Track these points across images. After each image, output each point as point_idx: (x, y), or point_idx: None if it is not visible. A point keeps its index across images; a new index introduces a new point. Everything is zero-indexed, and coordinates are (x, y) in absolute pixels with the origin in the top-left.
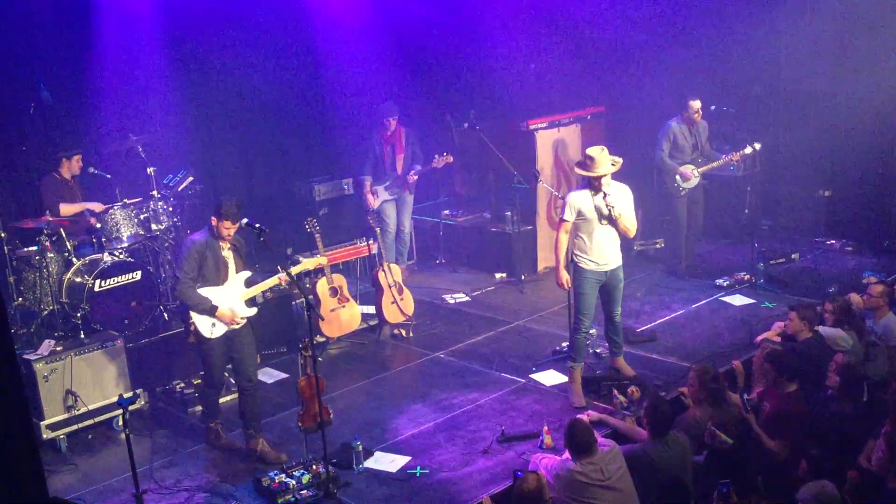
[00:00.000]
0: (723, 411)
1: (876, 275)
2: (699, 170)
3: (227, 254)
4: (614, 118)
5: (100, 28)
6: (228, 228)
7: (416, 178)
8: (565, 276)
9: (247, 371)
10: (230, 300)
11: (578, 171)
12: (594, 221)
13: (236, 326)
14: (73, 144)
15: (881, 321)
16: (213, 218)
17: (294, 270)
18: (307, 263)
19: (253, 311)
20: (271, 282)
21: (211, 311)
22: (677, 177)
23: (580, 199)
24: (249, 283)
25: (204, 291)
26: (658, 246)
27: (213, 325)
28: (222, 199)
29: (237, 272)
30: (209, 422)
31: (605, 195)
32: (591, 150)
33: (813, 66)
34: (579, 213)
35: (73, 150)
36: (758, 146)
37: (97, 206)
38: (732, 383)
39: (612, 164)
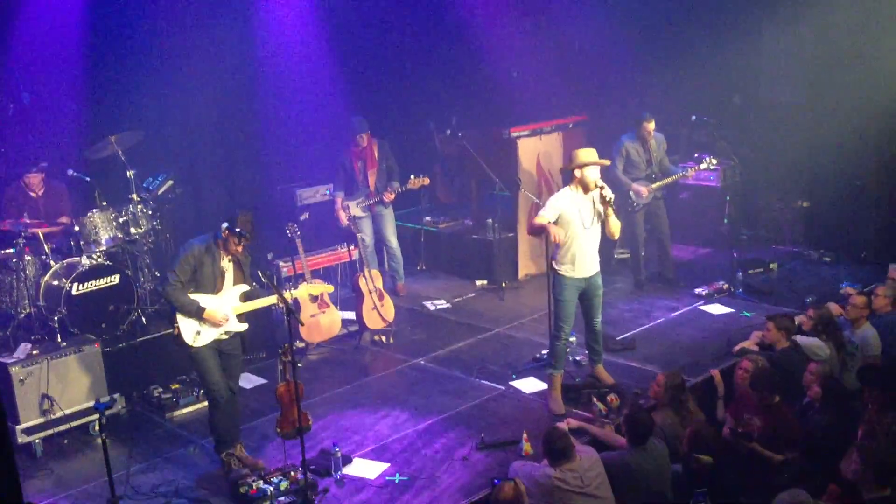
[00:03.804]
0: (683, 419)
1: (853, 285)
2: (653, 185)
3: (227, 265)
4: (596, 127)
5: (80, 30)
6: (237, 244)
7: (391, 197)
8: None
9: (227, 381)
10: (221, 310)
11: (591, 167)
12: (577, 227)
13: (223, 337)
14: (34, 157)
15: (858, 331)
16: (224, 229)
17: (297, 293)
18: (312, 288)
19: (244, 326)
20: (268, 300)
21: (198, 313)
22: (631, 193)
23: (565, 202)
24: (247, 298)
25: (194, 297)
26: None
27: (198, 332)
28: (237, 211)
29: (234, 284)
30: (222, 452)
31: (602, 188)
32: (584, 151)
33: (792, 78)
34: (561, 217)
35: (28, 169)
36: (714, 161)
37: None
38: (712, 392)
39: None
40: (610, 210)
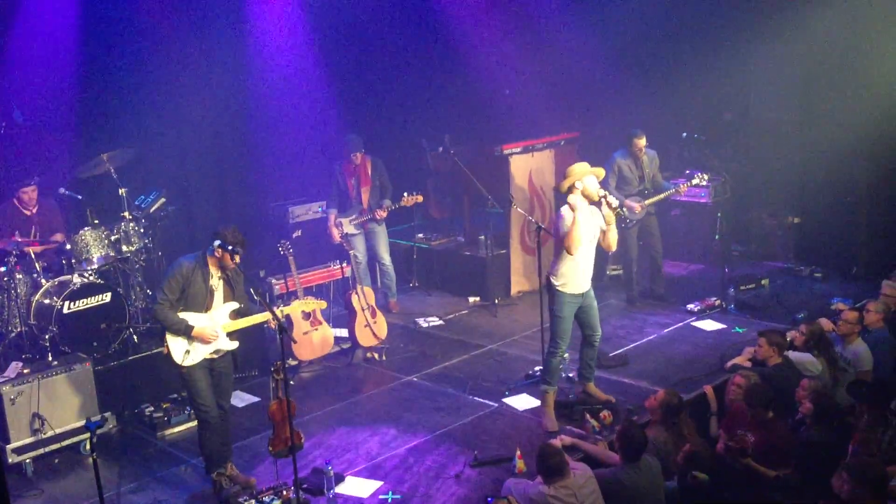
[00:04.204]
0: (676, 438)
1: (844, 301)
2: (646, 201)
3: (216, 283)
4: (587, 144)
5: (72, 48)
6: (232, 259)
7: (384, 214)
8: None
9: (219, 400)
10: (211, 327)
11: (589, 177)
12: (585, 241)
13: (213, 356)
14: (26, 175)
15: (850, 347)
16: (217, 247)
17: (289, 310)
18: (305, 304)
19: (234, 344)
20: (258, 318)
21: (187, 331)
22: (624, 209)
23: (574, 217)
24: (237, 316)
25: (183, 316)
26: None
27: (188, 351)
28: (220, 228)
29: (224, 302)
30: (212, 472)
31: (605, 196)
32: (578, 164)
33: (782, 95)
34: None
35: (23, 183)
36: (706, 177)
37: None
38: (705, 409)
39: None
40: (613, 218)
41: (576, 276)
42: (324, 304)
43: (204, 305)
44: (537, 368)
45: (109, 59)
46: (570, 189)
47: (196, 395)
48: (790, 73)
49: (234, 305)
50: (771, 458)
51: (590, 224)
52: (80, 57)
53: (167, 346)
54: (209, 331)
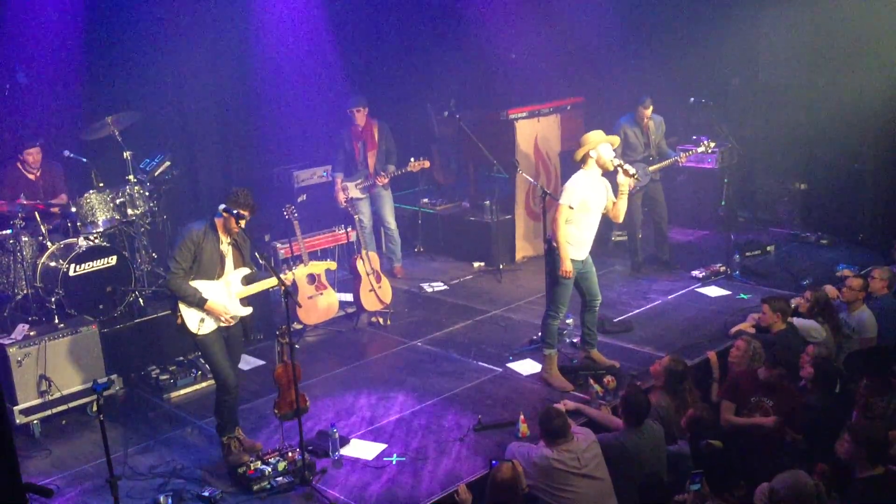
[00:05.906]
0: (678, 403)
1: (850, 268)
2: (650, 168)
3: (226, 248)
4: (593, 109)
5: (76, 9)
6: (236, 224)
7: (386, 180)
8: (570, 266)
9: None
10: (223, 296)
11: (604, 145)
12: (594, 210)
13: (225, 324)
14: (30, 137)
15: (855, 314)
16: (223, 210)
17: (298, 273)
18: (314, 266)
19: (248, 310)
20: (270, 283)
21: (200, 303)
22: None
23: (588, 186)
24: (248, 281)
25: (196, 284)
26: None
27: (202, 319)
28: (233, 189)
29: (235, 268)
30: (224, 435)
31: (621, 165)
32: (593, 133)
33: (790, 60)
34: (583, 202)
35: (27, 145)
36: (712, 143)
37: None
38: (708, 373)
39: None
40: (628, 188)
41: (580, 242)
42: (333, 265)
43: (216, 272)
44: (541, 334)
45: (115, 20)
46: (585, 158)
47: (214, 361)
48: (799, 39)
49: (246, 271)
50: (791, 420)
51: (598, 194)
52: (86, 18)
53: (181, 316)
54: (220, 307)
